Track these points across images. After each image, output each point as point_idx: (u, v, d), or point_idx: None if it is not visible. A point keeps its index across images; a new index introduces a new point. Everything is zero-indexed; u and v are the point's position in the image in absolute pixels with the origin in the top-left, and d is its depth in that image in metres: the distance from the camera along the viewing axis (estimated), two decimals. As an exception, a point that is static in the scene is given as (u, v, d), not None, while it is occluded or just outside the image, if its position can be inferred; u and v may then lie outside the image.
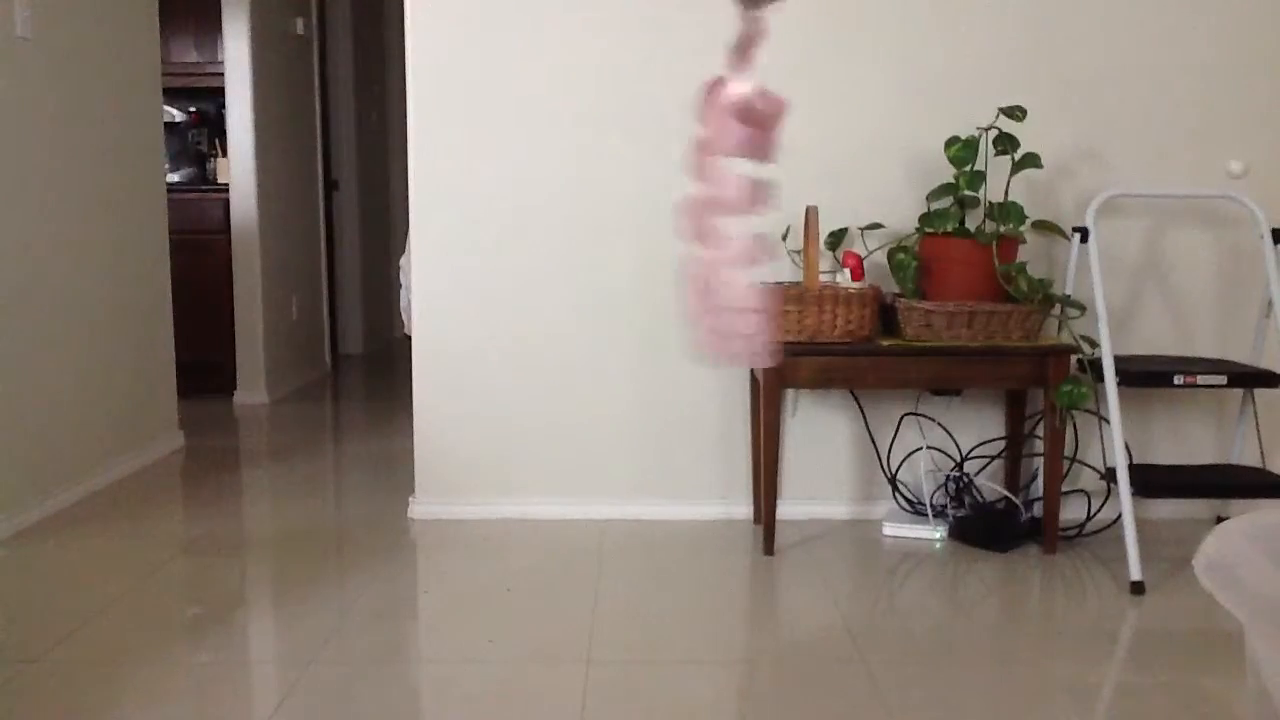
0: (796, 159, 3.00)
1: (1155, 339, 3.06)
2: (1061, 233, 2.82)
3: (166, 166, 4.68)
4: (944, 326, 2.68)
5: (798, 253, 2.98)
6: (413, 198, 3.01)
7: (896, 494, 3.08)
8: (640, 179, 3.00)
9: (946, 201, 2.85)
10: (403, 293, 3.18)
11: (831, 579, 2.58)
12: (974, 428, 3.09)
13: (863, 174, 3.01)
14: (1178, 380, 2.65)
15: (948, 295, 2.72)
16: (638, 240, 3.02)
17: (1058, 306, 2.73)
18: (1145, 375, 2.68)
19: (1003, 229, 2.73)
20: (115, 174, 3.55)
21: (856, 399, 3.07)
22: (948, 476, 3.04)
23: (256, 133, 4.79)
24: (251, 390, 4.87)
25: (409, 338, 3.11)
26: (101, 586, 2.50)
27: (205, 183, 5.04)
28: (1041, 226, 2.80)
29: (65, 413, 3.21)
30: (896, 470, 3.09)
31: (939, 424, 3.08)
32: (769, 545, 2.76)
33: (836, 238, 2.95)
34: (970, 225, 2.79)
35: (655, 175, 3.00)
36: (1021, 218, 2.72)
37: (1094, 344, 2.70)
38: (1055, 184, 3.01)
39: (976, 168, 2.77)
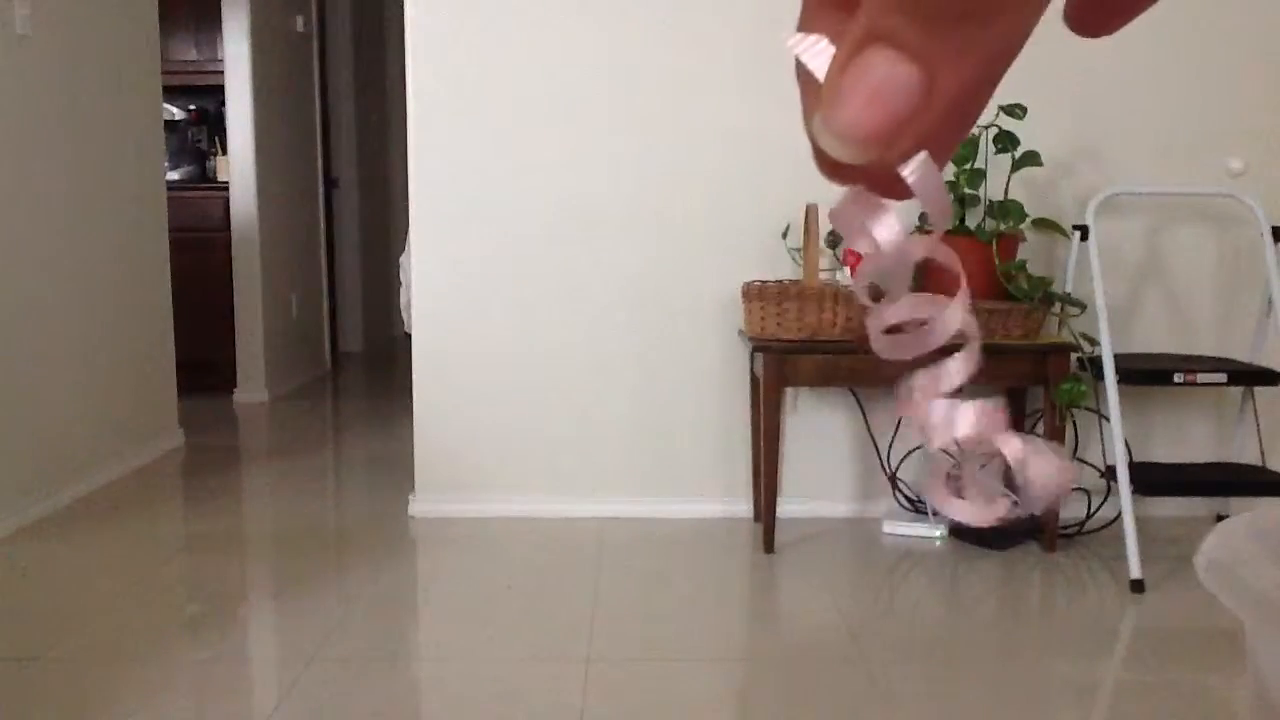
0: (796, 157, 3.00)
1: (1155, 337, 3.06)
2: (1061, 231, 2.81)
3: (166, 164, 4.68)
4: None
5: (798, 251, 2.98)
6: (413, 196, 3.01)
7: (896, 492, 3.08)
8: (641, 178, 3.00)
9: (946, 200, 2.84)
10: (403, 291, 3.18)
11: (831, 577, 2.58)
12: (974, 426, 3.08)
13: (863, 172, 3.01)
14: (1178, 378, 2.65)
15: (948, 293, 2.72)
16: (638, 239, 3.02)
17: (1058, 304, 2.73)
18: (1145, 373, 2.68)
19: (1003, 227, 2.72)
20: (115, 172, 3.55)
21: (856, 397, 3.07)
22: (947, 474, 3.04)
23: (256, 131, 4.79)
24: (251, 388, 4.87)
25: (409, 336, 3.11)
26: (101, 585, 2.50)
27: (205, 181, 5.04)
28: (1041, 224, 2.79)
29: (65, 412, 3.21)
30: (896, 468, 3.09)
31: (939, 422, 3.08)
32: (769, 543, 2.76)
33: (836, 236, 2.94)
34: (970, 223, 2.79)
35: (657, 175, 3.00)
36: (1021, 216, 2.72)
37: (1094, 342, 2.70)
38: (1055, 182, 3.01)
39: (976, 165, 2.77)
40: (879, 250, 0.25)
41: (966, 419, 0.26)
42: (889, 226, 0.25)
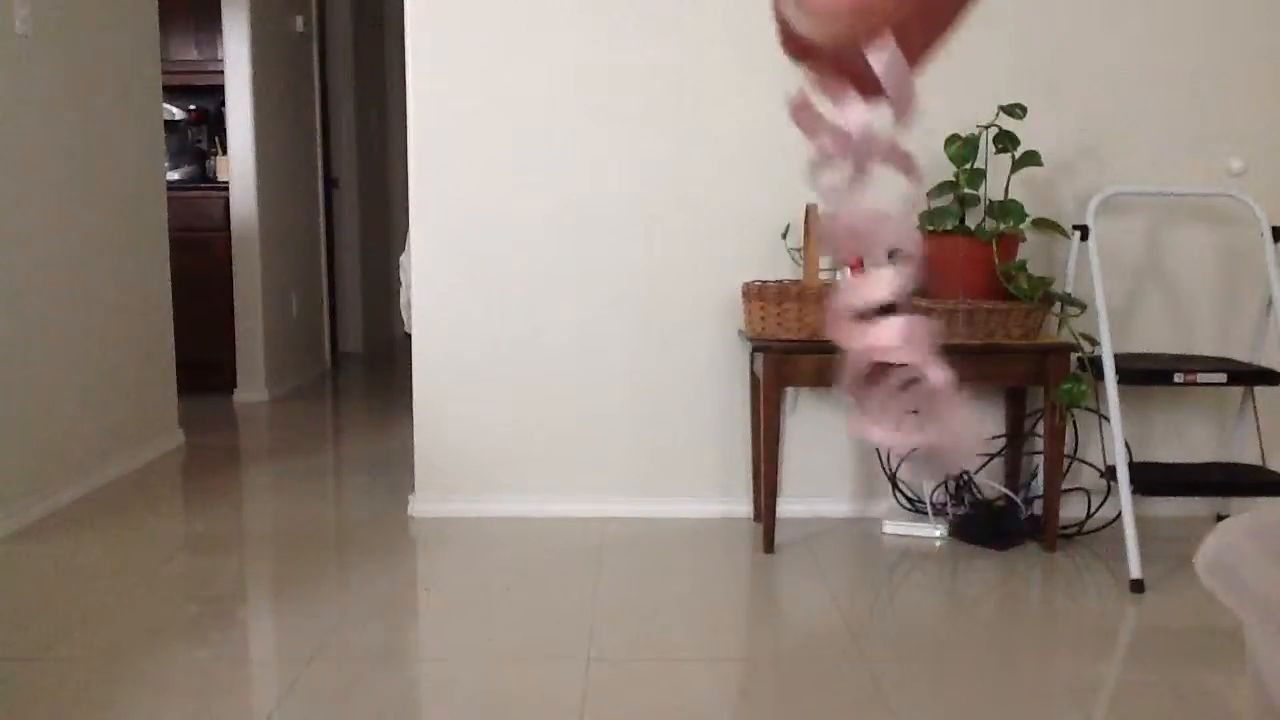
0: (796, 156, 3.00)
1: (1155, 337, 3.06)
2: (1061, 231, 2.81)
3: (166, 164, 4.68)
4: (944, 324, 2.68)
5: (798, 250, 2.98)
6: (413, 196, 3.01)
7: (896, 492, 3.08)
8: (641, 178, 3.00)
9: (947, 199, 2.84)
10: (403, 290, 3.18)
11: (831, 577, 2.58)
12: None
13: (863, 172, 3.00)
14: (1178, 378, 2.65)
15: (948, 293, 2.72)
16: (637, 238, 3.02)
17: (1058, 304, 2.73)
18: (1145, 373, 2.68)
19: (1003, 227, 2.73)
20: (115, 172, 3.55)
21: (856, 397, 3.06)
22: (947, 474, 3.04)
23: (256, 130, 4.79)
24: (251, 388, 4.87)
25: (409, 336, 3.11)
26: (101, 585, 2.50)
27: (205, 180, 5.04)
28: (1041, 224, 2.79)
29: (65, 411, 3.21)
30: (896, 468, 3.09)
31: (939, 422, 3.08)
32: (769, 543, 2.76)
33: (836, 236, 2.94)
34: (970, 223, 2.79)
35: (656, 175, 3.00)
36: (1021, 216, 2.72)
37: (1094, 342, 2.70)
38: (1055, 182, 3.01)
39: (976, 165, 2.77)
40: (845, 139, 0.24)
41: (892, 328, 0.26)
42: (855, 109, 0.24)
